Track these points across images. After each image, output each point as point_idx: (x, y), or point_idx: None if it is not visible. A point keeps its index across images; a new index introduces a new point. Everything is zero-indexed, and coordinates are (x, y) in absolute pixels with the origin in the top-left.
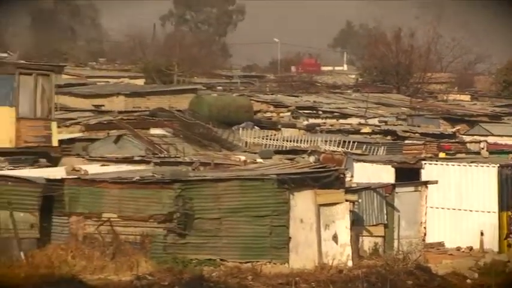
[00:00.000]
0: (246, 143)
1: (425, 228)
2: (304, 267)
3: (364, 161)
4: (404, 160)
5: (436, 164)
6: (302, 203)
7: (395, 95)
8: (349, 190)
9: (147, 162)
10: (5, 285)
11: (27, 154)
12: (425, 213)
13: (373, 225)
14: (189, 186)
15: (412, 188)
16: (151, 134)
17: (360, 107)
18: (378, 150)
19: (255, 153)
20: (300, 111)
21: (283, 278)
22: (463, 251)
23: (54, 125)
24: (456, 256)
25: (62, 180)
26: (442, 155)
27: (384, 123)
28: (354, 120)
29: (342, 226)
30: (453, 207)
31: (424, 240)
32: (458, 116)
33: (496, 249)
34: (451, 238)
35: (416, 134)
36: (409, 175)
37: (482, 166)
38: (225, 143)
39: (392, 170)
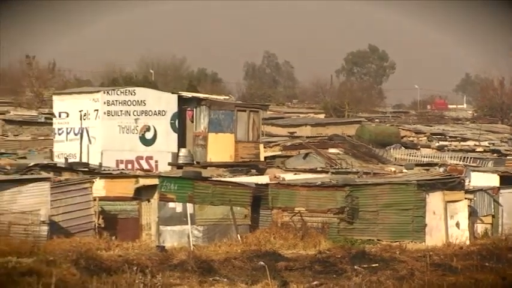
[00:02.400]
0: (395, 158)
1: None
2: (435, 245)
3: (478, 171)
4: (506, 170)
5: None
6: (434, 200)
7: (500, 125)
8: (468, 191)
9: (326, 172)
10: (228, 257)
11: (242, 166)
12: None
13: (484, 216)
14: (355, 188)
15: (511, 190)
16: (330, 152)
17: (475, 133)
18: (487, 163)
19: (401, 165)
20: (433, 136)
21: (420, 252)
22: None
23: (261, 146)
24: None
25: (266, 184)
26: None
27: (492, 145)
28: (471, 143)
29: (462, 216)
30: None
31: None
32: None
33: None
34: None
35: None
36: (510, 181)
37: None
38: (381, 158)
39: (498, 177)
